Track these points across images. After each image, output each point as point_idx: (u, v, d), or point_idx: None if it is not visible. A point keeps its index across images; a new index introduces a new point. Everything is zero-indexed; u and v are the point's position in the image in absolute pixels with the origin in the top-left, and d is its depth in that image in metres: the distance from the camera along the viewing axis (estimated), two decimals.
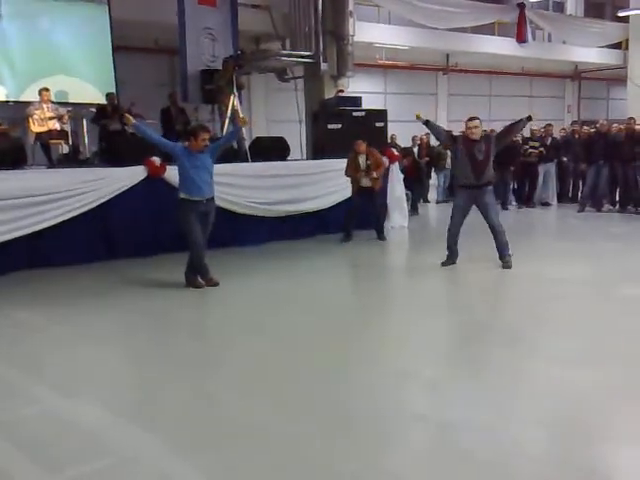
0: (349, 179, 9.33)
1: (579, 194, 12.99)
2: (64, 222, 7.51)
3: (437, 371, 4.17)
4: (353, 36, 13.16)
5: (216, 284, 6.49)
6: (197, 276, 6.47)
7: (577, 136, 13.40)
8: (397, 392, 3.88)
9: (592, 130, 13.07)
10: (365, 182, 9.13)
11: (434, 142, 12.94)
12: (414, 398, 3.83)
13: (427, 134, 14.85)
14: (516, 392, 3.81)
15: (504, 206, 12.74)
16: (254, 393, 3.88)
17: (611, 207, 12.34)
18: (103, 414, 3.59)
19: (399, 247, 9.78)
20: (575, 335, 4.83)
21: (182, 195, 6.28)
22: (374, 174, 9.09)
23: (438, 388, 3.90)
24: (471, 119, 7.08)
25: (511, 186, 13.30)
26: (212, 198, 6.44)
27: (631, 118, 12.19)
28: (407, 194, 11.37)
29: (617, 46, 22.20)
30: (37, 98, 9.58)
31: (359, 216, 9.37)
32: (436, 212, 13.32)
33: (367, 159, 9.13)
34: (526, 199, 13.23)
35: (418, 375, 4.12)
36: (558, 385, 3.86)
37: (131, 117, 6.44)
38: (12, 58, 10.87)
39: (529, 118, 7.32)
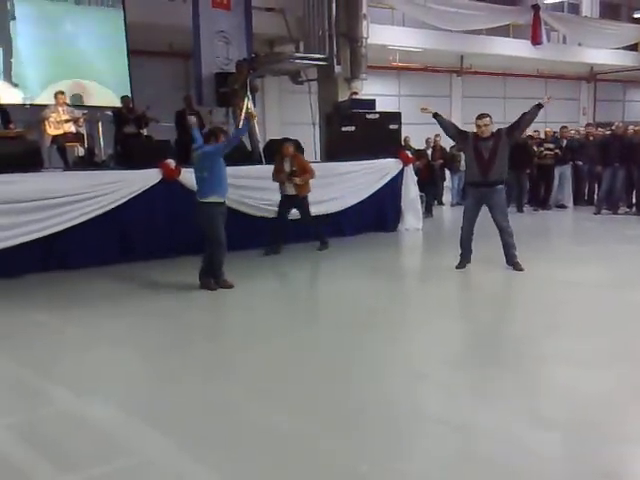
0: (361, 182, 9.29)
1: (595, 197, 12.89)
2: (80, 224, 7.56)
3: (452, 373, 4.15)
4: (367, 38, 13.13)
5: (231, 286, 6.50)
6: (211, 279, 6.47)
7: (591, 138, 13.31)
8: (412, 394, 3.87)
9: (608, 132, 12.97)
10: (289, 189, 8.46)
11: (444, 143, 12.88)
12: (429, 400, 3.81)
13: (439, 135, 14.85)
14: (532, 395, 3.78)
15: (519, 208, 12.68)
16: (267, 394, 3.88)
17: (627, 210, 12.23)
18: (118, 415, 3.61)
19: (413, 250, 9.76)
20: (590, 338, 4.78)
21: (211, 198, 6.27)
22: (297, 180, 8.38)
23: (453, 390, 3.88)
24: (481, 117, 7.02)
25: (527, 188, 13.20)
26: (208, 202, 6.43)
27: None
28: (421, 196, 11.35)
29: (633, 47, 22.03)
30: (53, 101, 9.66)
31: (286, 228, 8.60)
32: (450, 214, 13.26)
33: (292, 164, 8.45)
34: (542, 201, 13.15)
35: (432, 377, 4.11)
36: (574, 387, 3.83)
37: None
38: (27, 61, 10.95)
39: (539, 105, 7.15)
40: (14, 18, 10.74)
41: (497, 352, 4.63)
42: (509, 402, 3.65)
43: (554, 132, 13.45)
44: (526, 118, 7.20)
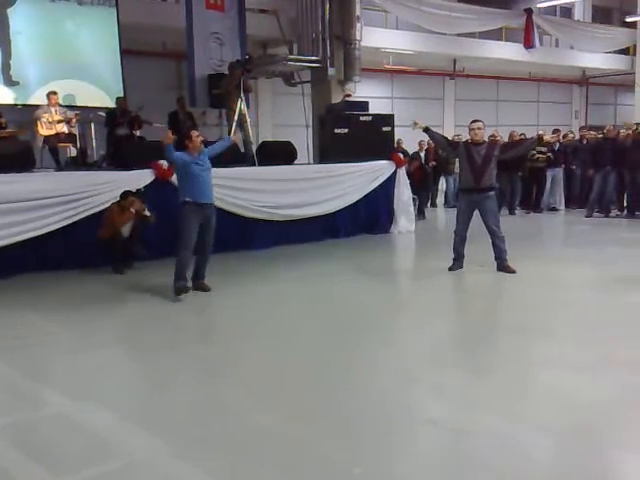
0: (354, 184, 9.28)
1: (587, 199, 12.94)
2: (72, 225, 7.53)
3: (445, 376, 4.15)
4: (360, 41, 13.17)
5: (207, 289, 6.46)
6: (183, 283, 6.22)
7: (584, 141, 13.37)
8: (405, 396, 3.87)
9: (600, 136, 13.03)
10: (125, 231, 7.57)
11: None
12: (422, 402, 3.81)
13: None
14: (525, 398, 3.78)
15: (511, 211, 12.72)
16: (260, 396, 3.87)
17: (619, 213, 12.30)
18: (111, 417, 3.59)
19: (406, 251, 9.77)
20: (584, 341, 4.80)
21: (187, 198, 6.18)
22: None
23: (446, 393, 3.88)
24: (474, 121, 7.18)
25: (519, 191, 13.24)
26: (213, 203, 6.42)
27: (639, 124, 12.15)
28: (414, 198, 11.38)
29: (625, 51, 22.15)
30: (45, 101, 9.62)
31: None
32: (444, 216, 13.30)
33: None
34: (533, 204, 13.20)
35: (425, 379, 4.11)
36: (568, 391, 3.83)
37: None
38: (27, 60, 10.90)
39: (540, 138, 7.43)
40: (11, 17, 10.72)
41: (491, 355, 4.64)
42: (502, 405, 3.65)
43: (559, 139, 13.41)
44: (524, 146, 7.75)
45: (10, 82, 10.84)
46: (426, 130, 7.41)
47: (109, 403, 3.80)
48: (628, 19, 20.24)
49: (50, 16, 11.12)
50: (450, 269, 7.29)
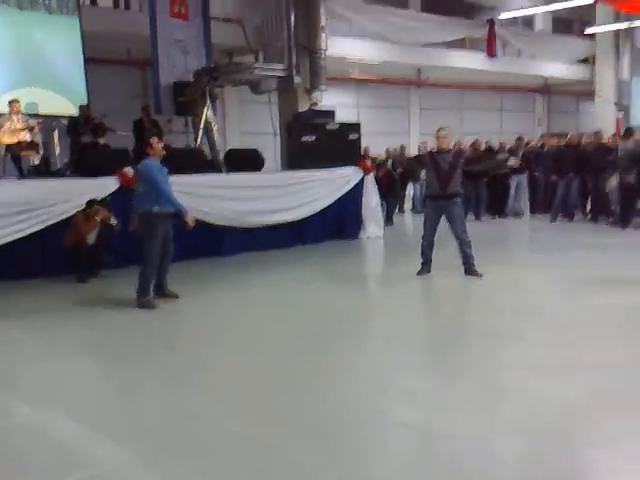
0: (322, 190, 9.29)
1: (551, 205, 13.14)
2: (38, 233, 7.39)
3: (415, 380, 4.15)
4: (325, 50, 13.24)
5: (175, 296, 6.40)
6: (149, 296, 6.16)
7: (546, 148, 13.61)
8: (377, 401, 3.85)
9: (562, 143, 13.27)
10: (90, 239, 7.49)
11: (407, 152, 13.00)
12: (394, 407, 3.79)
13: (402, 147, 14.99)
14: (495, 400, 3.80)
15: (477, 217, 12.86)
16: (229, 402, 3.83)
17: (583, 217, 12.52)
18: (77, 427, 3.51)
19: (375, 257, 9.80)
20: (552, 344, 4.84)
21: (154, 209, 6.04)
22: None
23: (417, 397, 3.87)
24: (440, 129, 7.32)
25: (484, 197, 13.39)
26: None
27: (599, 130, 12.41)
28: (382, 204, 11.43)
29: (585, 61, 22.64)
30: (7, 110, 9.44)
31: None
32: (411, 222, 13.39)
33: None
34: (498, 210, 13.37)
35: (396, 384, 4.10)
36: (537, 393, 3.85)
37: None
38: None
39: (506, 160, 7.67)
40: None
41: (461, 358, 4.66)
42: (473, 408, 3.66)
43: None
44: (488, 163, 8.56)
45: None
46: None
47: (75, 412, 3.71)
48: (588, 30, 20.69)
49: (19, 25, 10.93)
50: (418, 273, 7.33)
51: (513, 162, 8.26)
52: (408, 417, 3.56)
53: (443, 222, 7.28)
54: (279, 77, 12.46)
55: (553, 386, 3.96)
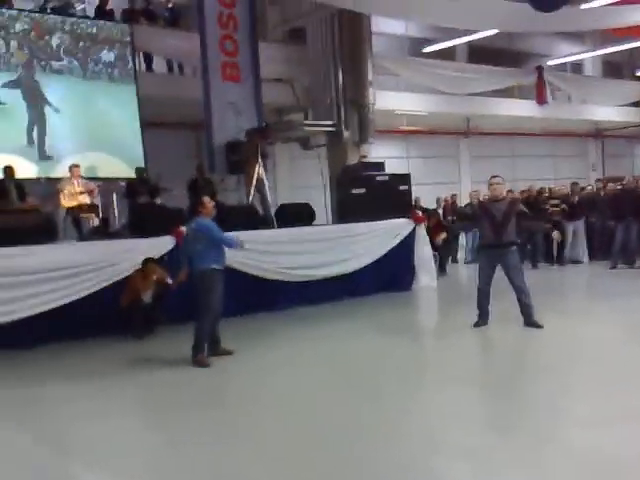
0: (374, 242, 9.26)
1: (609, 251, 12.78)
2: (93, 295, 7.55)
3: (470, 439, 4.00)
4: (374, 104, 13.44)
5: (229, 353, 6.43)
6: (204, 352, 6.22)
7: (602, 193, 13.33)
8: (428, 461, 3.73)
9: (618, 187, 12.99)
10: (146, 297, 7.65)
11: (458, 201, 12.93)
12: (450, 468, 3.65)
13: (453, 195, 14.93)
14: (553, 460, 3.62)
15: (534, 265, 12.58)
16: (274, 462, 3.77)
17: None
18: None
19: (428, 308, 9.66)
20: (609, 398, 4.64)
21: (214, 265, 6.19)
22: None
23: (473, 457, 3.73)
24: (493, 177, 7.25)
25: (540, 245, 13.13)
26: None
27: None
28: (434, 255, 11.33)
29: (637, 104, 22.30)
30: (68, 174, 9.85)
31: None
32: (465, 272, 13.18)
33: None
34: (556, 257, 13.07)
35: (451, 444, 3.96)
36: (595, 450, 3.68)
37: None
38: (53, 136, 11.21)
39: (551, 229, 7.51)
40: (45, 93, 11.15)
41: (518, 413, 4.49)
42: (529, 468, 3.52)
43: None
44: (532, 223, 8.53)
45: (44, 157, 11.13)
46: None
47: (126, 472, 3.72)
48: (638, 73, 20.46)
49: (78, 93, 11.50)
50: (475, 325, 7.17)
51: (557, 236, 8.11)
52: (462, 476, 3.44)
53: (500, 272, 7.13)
54: (328, 132, 12.68)
55: (613, 442, 3.78)
